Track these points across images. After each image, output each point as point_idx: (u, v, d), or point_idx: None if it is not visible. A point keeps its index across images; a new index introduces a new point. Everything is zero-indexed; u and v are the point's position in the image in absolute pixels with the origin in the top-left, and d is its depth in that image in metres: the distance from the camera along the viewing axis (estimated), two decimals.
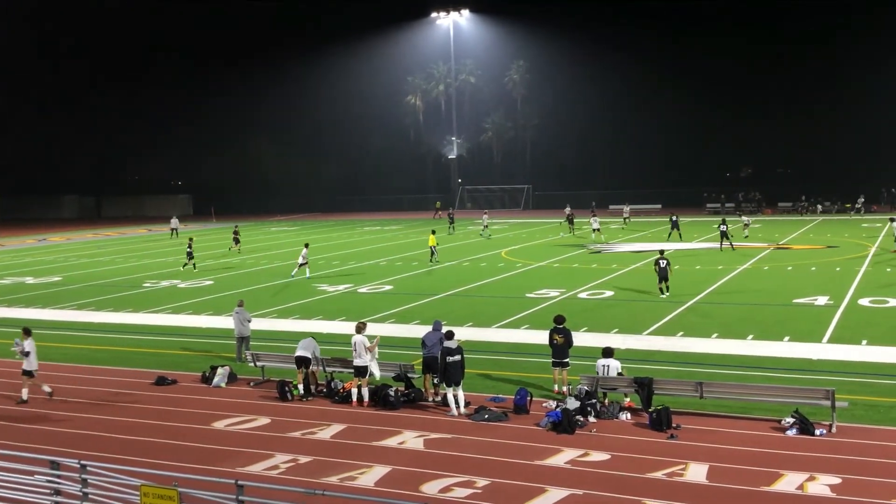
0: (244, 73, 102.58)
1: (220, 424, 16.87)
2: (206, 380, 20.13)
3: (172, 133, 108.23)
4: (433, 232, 44.26)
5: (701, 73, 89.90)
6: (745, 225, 51.37)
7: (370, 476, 13.71)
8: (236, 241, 51.06)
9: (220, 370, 20.17)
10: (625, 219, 64.64)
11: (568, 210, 61.25)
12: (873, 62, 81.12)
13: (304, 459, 14.58)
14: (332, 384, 18.80)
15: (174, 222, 67.82)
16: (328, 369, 19.33)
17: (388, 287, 34.77)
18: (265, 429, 16.52)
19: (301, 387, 18.56)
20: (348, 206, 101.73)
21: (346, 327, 24.02)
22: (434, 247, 42.20)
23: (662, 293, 29.37)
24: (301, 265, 37.64)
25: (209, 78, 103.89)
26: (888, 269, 34.21)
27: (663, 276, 29.43)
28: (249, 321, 22.21)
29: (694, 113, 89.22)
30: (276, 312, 29.43)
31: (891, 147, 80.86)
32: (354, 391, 18.00)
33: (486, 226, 59.38)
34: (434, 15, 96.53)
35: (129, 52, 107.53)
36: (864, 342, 21.50)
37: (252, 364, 20.45)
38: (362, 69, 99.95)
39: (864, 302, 26.97)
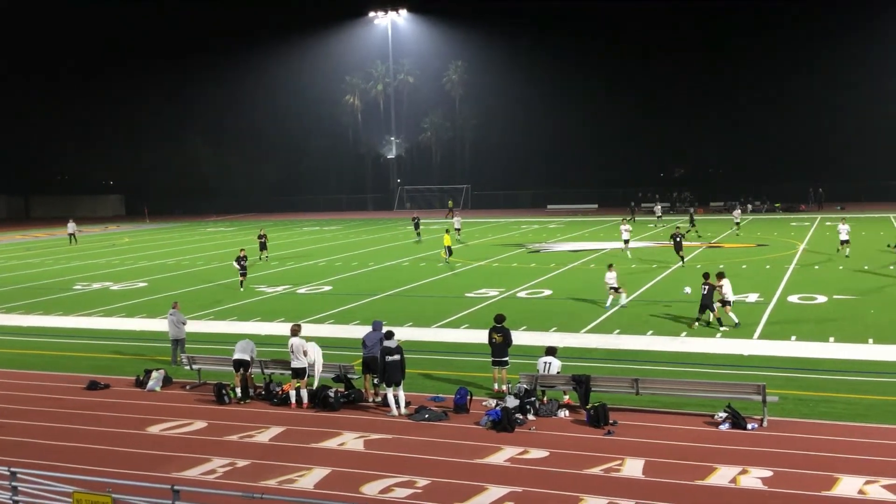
0: (179, 71, 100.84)
1: (154, 429, 16.55)
2: (141, 384, 19.73)
3: (104, 131, 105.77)
4: (447, 231, 43.86)
5: (636, 75, 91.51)
6: (737, 224, 51.97)
7: (309, 478, 13.61)
8: (263, 246, 44.63)
9: (154, 374, 19.78)
10: (658, 217, 64.75)
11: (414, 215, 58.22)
12: (803, 65, 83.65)
13: (241, 463, 14.40)
14: (271, 386, 18.60)
15: (71, 227, 61.16)
16: (266, 371, 19.12)
17: (327, 288, 34.55)
18: (202, 433, 16.26)
19: (238, 390, 18.32)
20: (287, 207, 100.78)
21: (284, 329, 23.77)
22: (449, 246, 41.39)
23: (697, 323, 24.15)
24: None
25: (143, 76, 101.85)
26: (816, 267, 35.27)
27: (706, 304, 23.83)
28: (184, 323, 21.83)
29: (629, 114, 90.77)
30: (212, 314, 28.99)
31: (818, 148, 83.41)
32: (293, 393, 17.84)
33: (458, 228, 54.64)
34: (372, 14, 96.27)
35: (58, 47, 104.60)
36: (793, 338, 22.12)
37: (188, 367, 20.11)
38: (300, 68, 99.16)
39: (793, 299, 27.75)
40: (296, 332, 18.05)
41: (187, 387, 19.66)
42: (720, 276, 24.13)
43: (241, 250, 35.75)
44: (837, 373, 18.63)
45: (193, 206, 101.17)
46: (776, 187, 76.69)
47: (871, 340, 21.46)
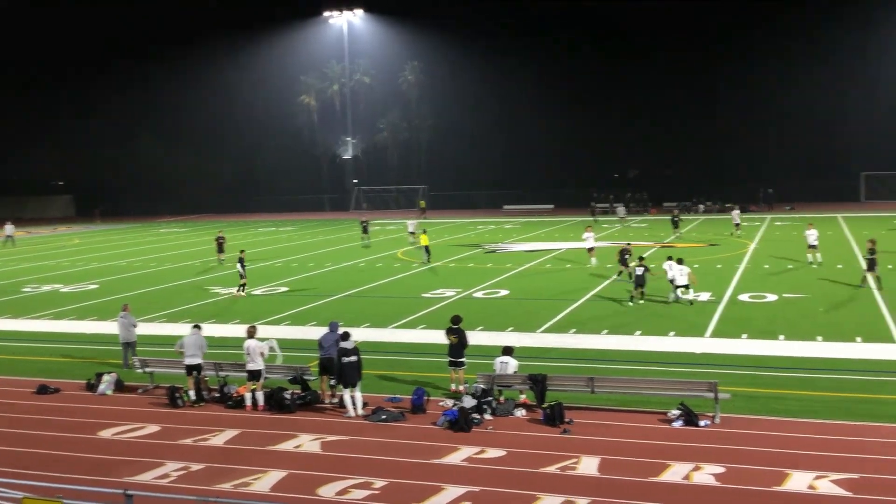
0: (131, 69, 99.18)
1: (106, 433, 16.28)
2: (92, 387, 19.40)
3: (53, 131, 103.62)
4: (425, 231, 43.50)
5: (591, 76, 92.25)
6: (737, 225, 50.50)
7: (265, 481, 13.51)
8: (220, 248, 43.28)
9: (105, 377, 19.46)
10: (621, 217, 64.53)
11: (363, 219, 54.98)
12: (752, 68, 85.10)
13: (196, 467, 14.23)
14: (225, 389, 18.41)
15: (9, 229, 59.16)
16: (221, 374, 18.92)
17: (283, 289, 34.29)
18: (155, 437, 16.04)
19: (192, 392, 18.10)
20: (242, 207, 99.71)
21: (239, 330, 23.55)
22: (427, 247, 41.02)
23: (631, 301, 27.66)
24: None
25: (94, 74, 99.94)
26: (766, 266, 35.92)
27: (639, 282, 27.72)
28: (135, 326, 21.51)
29: (584, 115, 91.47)
30: (165, 316, 28.60)
31: (768, 150, 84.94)
32: (248, 395, 17.68)
33: (413, 232, 52.28)
34: (327, 14, 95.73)
35: (5, 45, 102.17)
36: (744, 336, 22.51)
37: (140, 370, 19.81)
38: (255, 68, 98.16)
39: (744, 297, 28.22)
40: (252, 333, 17.89)
41: (140, 390, 19.39)
42: (679, 261, 27.38)
43: (241, 252, 34.06)
44: (788, 370, 19.01)
45: (146, 207, 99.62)
46: (727, 188, 77.95)
47: (819, 338, 21.93)
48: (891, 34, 78.63)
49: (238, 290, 32.65)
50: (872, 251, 28.71)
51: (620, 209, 66.94)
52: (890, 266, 34.21)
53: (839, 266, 34.89)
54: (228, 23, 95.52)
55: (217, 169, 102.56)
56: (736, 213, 52.03)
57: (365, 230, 52.86)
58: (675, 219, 50.62)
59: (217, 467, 14.16)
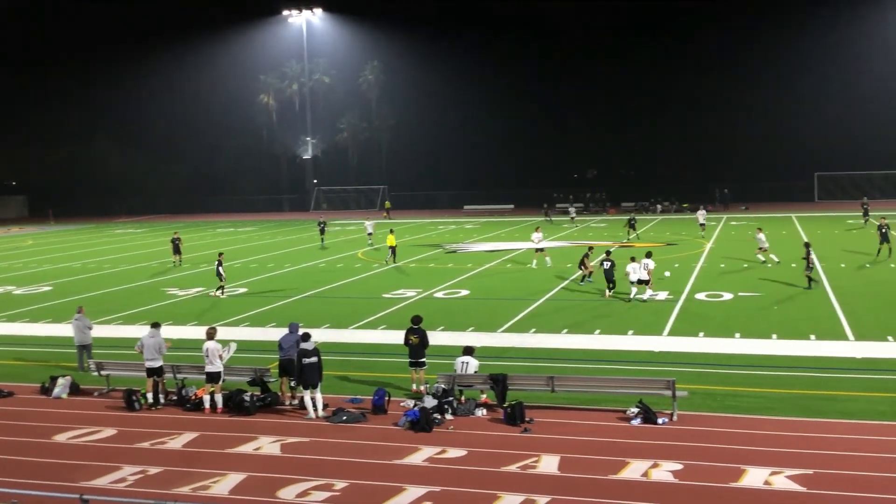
0: (85, 68, 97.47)
1: (61, 437, 15.99)
2: (46, 391, 19.04)
3: (5, 130, 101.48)
4: (392, 231, 43.28)
5: (550, 77, 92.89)
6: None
7: (224, 484, 13.37)
8: (177, 249, 42.59)
9: (60, 381, 19.12)
10: (572, 218, 65.18)
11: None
12: (709, 72, 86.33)
13: (153, 470, 14.04)
14: (184, 391, 18.20)
15: None
16: (179, 376, 18.70)
17: (242, 290, 33.98)
18: (111, 440, 15.80)
19: (150, 395, 17.86)
20: (200, 207, 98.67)
21: (197, 332, 23.31)
22: (393, 247, 40.77)
23: (605, 294, 28.86)
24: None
25: (47, 72, 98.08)
26: (722, 265, 36.43)
27: (608, 277, 28.86)
28: (90, 328, 21.17)
29: (544, 116, 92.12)
30: (121, 318, 28.19)
31: (724, 150, 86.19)
32: (207, 398, 17.49)
33: (371, 233, 51.00)
34: (286, 13, 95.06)
35: None
36: (701, 334, 22.81)
37: (95, 373, 19.50)
38: (213, 67, 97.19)
39: (701, 296, 28.60)
40: (211, 335, 17.70)
41: (95, 393, 19.08)
42: (648, 255, 28.76)
43: (220, 254, 33.49)
44: (744, 367, 19.30)
45: (101, 208, 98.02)
46: (684, 188, 78.96)
47: (774, 336, 22.30)
48: (839, 40, 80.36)
49: (216, 292, 32.32)
50: (808, 254, 29.50)
51: (571, 210, 67.62)
52: (843, 265, 34.93)
53: (793, 265, 35.49)
54: (186, 21, 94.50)
55: (174, 169, 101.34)
56: (701, 213, 52.55)
57: (322, 231, 52.19)
58: (632, 220, 50.94)
59: (175, 471, 13.99)
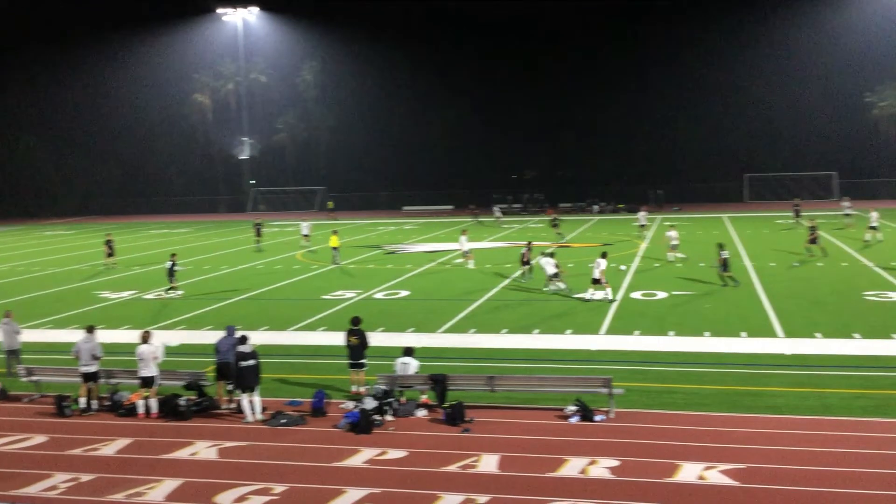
0: (11, 65, 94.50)
1: None
2: None
3: None
4: (335, 232, 42.75)
5: (490, 78, 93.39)
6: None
7: (159, 490, 13.14)
8: (109, 252, 41.98)
9: None
10: (497, 218, 65.44)
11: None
12: (643, 74, 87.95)
13: (86, 478, 13.72)
14: (116, 397, 17.81)
15: None
16: (112, 381, 18.30)
17: (177, 292, 33.36)
18: (42, 447, 15.37)
19: (82, 401, 17.43)
20: (132, 209, 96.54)
21: (131, 336, 22.83)
22: (337, 248, 40.46)
23: (553, 290, 30.01)
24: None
25: None
26: (656, 265, 37.12)
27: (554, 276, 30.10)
28: (19, 333, 20.55)
29: (483, 117, 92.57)
30: (51, 322, 27.44)
31: (657, 152, 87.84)
32: (141, 403, 17.16)
33: (307, 234, 50.10)
34: (221, 11, 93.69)
35: None
36: (637, 333, 23.21)
37: (25, 379, 18.95)
38: (145, 65, 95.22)
39: (636, 295, 29.10)
40: (146, 339, 17.37)
41: (25, 399, 18.55)
42: (603, 255, 29.16)
43: (173, 255, 33.63)
44: (678, 364, 19.71)
45: (29, 209, 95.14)
46: (620, 189, 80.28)
47: (707, 334, 22.81)
48: (769, 44, 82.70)
49: (167, 292, 32.28)
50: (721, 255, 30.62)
51: (496, 210, 68.40)
52: (773, 264, 35.89)
53: (712, 266, 36.32)
54: (118, 18, 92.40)
55: (105, 169, 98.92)
56: (642, 213, 53.47)
57: (258, 233, 49.97)
58: (555, 221, 50.96)
59: (108, 478, 13.69)
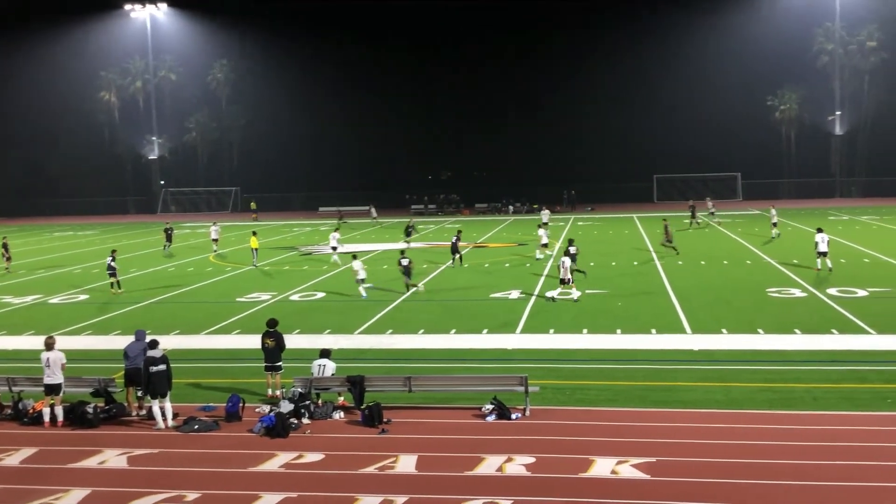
0: None
1: None
2: None
3: None
4: (254, 233, 41.75)
5: (405, 79, 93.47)
6: (544, 223, 50.99)
7: (67, 501, 12.71)
8: (4, 254, 40.60)
9: None
10: (374, 218, 65.33)
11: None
12: (557, 79, 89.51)
13: None
14: (20, 405, 17.13)
15: None
16: (15, 389, 17.60)
17: (83, 297, 32.33)
18: None
19: None
20: (34, 210, 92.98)
21: (35, 342, 22.01)
22: (255, 249, 39.90)
23: (408, 290, 30.63)
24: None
25: None
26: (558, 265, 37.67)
27: (407, 273, 30.88)
28: None
29: (397, 117, 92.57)
30: None
31: (570, 153, 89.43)
32: (46, 411, 16.56)
33: (216, 239, 47.13)
34: (128, 7, 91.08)
35: None
36: (552, 331, 23.58)
37: None
38: (49, 61, 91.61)
39: (552, 294, 29.52)
40: (50, 345, 16.75)
41: None
42: (566, 252, 29.72)
43: (113, 251, 34.04)
44: (591, 362, 20.10)
45: None
46: (534, 189, 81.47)
47: (619, 331, 23.34)
48: (677, 47, 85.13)
49: (114, 288, 32.79)
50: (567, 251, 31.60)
51: (373, 210, 69.05)
52: (681, 262, 36.94)
53: (635, 263, 37.27)
54: (20, 12, 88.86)
55: (5, 169, 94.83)
56: (545, 213, 54.22)
57: (169, 237, 47.88)
58: (408, 228, 49.51)
59: (12, 489, 13.17)
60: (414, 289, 30.62)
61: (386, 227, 61.90)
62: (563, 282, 28.34)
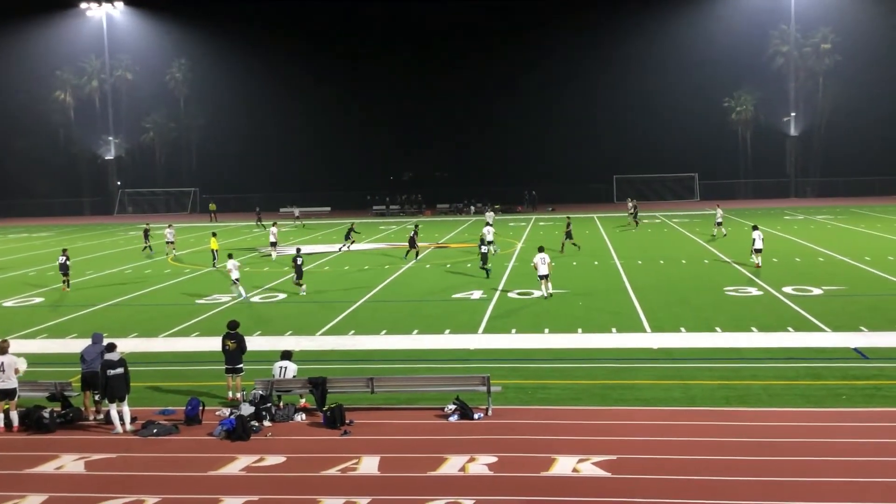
0: None
1: None
2: None
3: None
4: (214, 234, 41.21)
5: (367, 79, 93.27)
6: (488, 223, 51.29)
7: None
8: None
9: None
10: (297, 217, 65.39)
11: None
12: (514, 79, 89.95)
13: None
14: None
15: None
16: None
17: (38, 300, 31.76)
18: None
19: None
20: None
21: None
22: (215, 251, 39.63)
23: (300, 288, 31.11)
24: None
25: None
26: (532, 264, 37.87)
27: (299, 273, 31.19)
28: None
29: (359, 118, 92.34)
30: None
31: (531, 154, 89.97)
32: (0, 416, 16.23)
33: (171, 241, 46.79)
34: (84, 6, 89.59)
35: None
36: (514, 331, 23.69)
37: None
38: (1, 61, 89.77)
39: (513, 294, 29.69)
40: (4, 349, 16.44)
41: None
42: (540, 248, 29.60)
43: (64, 250, 34.84)
44: (552, 361, 20.23)
45: None
46: (496, 190, 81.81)
47: (580, 330, 23.52)
48: (636, 54, 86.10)
49: (65, 286, 33.52)
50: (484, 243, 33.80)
51: (295, 210, 69.22)
52: (640, 262, 37.33)
53: (595, 263, 37.58)
54: None
55: None
56: (490, 214, 55.02)
57: (146, 237, 48.12)
58: (349, 232, 48.08)
59: None
60: (300, 288, 30.93)
61: (309, 227, 62.17)
62: (542, 278, 28.74)
